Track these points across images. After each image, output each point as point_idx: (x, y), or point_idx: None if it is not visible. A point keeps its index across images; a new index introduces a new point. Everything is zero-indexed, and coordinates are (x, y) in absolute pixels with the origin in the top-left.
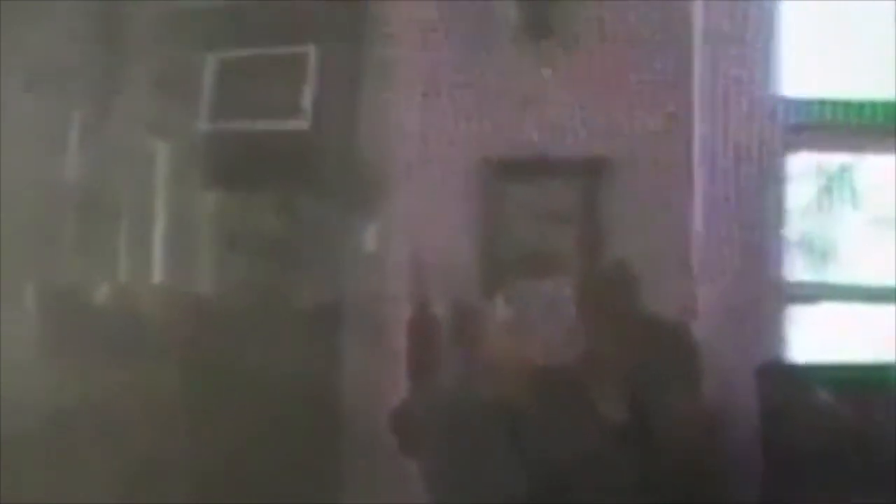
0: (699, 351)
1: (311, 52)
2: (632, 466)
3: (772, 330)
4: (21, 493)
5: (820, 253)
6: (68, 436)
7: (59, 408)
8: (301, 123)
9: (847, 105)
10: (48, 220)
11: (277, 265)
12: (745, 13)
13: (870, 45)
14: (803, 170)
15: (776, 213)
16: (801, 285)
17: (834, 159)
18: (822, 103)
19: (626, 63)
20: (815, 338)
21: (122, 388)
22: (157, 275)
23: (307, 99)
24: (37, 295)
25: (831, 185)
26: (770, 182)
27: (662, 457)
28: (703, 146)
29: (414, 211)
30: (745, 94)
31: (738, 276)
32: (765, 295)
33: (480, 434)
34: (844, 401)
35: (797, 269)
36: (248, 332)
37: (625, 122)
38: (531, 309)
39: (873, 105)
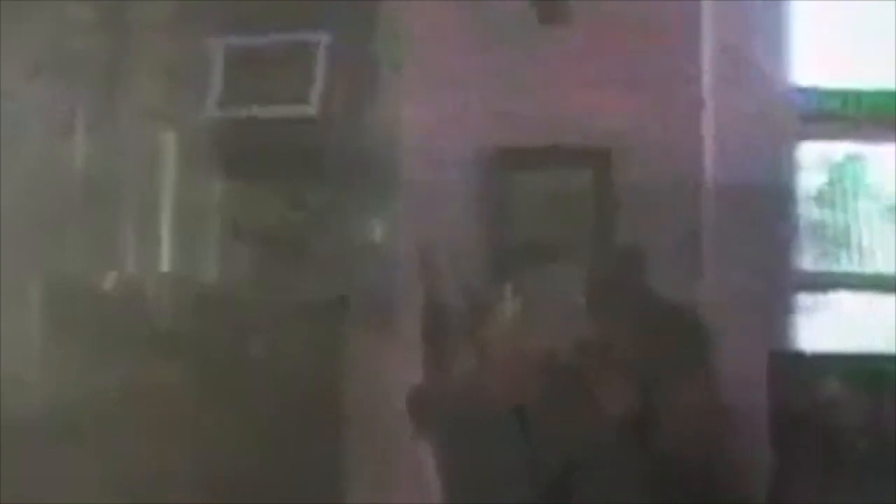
0: (709, 340)
1: (321, 40)
2: (640, 455)
3: (783, 319)
4: (24, 483)
5: (831, 242)
6: (73, 425)
7: (64, 397)
8: (310, 112)
9: (857, 95)
10: (54, 209)
11: (284, 255)
12: (755, 1)
13: (878, 35)
14: (813, 159)
15: (787, 201)
16: (811, 274)
17: (843, 149)
18: (832, 93)
19: (636, 51)
20: (826, 327)
21: (128, 378)
22: (164, 264)
23: (316, 88)
24: (42, 284)
25: (841, 175)
26: (781, 171)
27: (671, 446)
28: (713, 135)
29: (422, 200)
30: (756, 84)
31: (748, 265)
32: (776, 284)
33: (489, 423)
34: (855, 390)
35: (808, 259)
36: (254, 322)
37: (635, 111)
38: (540, 298)
39: (883, 95)
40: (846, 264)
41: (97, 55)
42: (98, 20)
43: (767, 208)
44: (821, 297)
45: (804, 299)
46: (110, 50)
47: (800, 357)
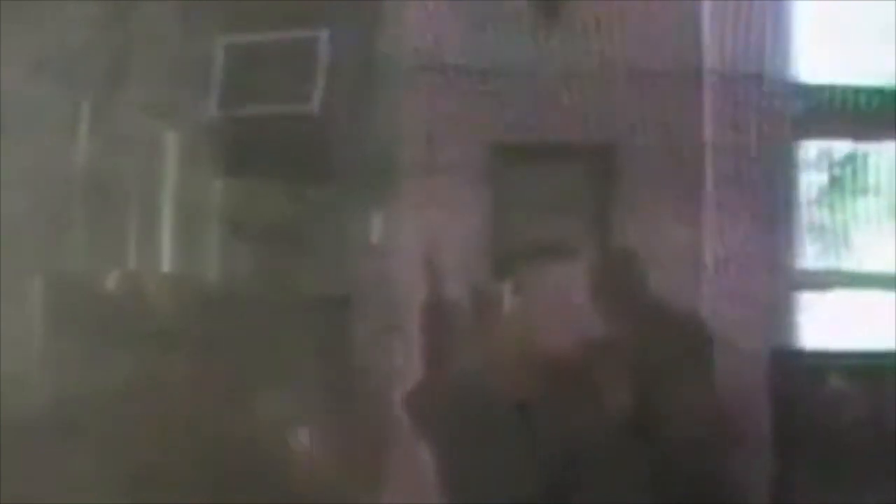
0: (710, 339)
1: (322, 37)
2: (642, 454)
3: (784, 318)
4: (25, 483)
5: (831, 240)
6: (74, 425)
7: (65, 396)
8: (311, 110)
9: (857, 92)
10: (55, 208)
11: (286, 253)
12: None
13: (879, 32)
14: (814, 157)
15: (787, 199)
16: (812, 272)
17: (844, 146)
18: (832, 90)
19: (636, 49)
20: (828, 325)
21: (129, 376)
22: (166, 263)
23: (317, 86)
24: (43, 282)
25: (842, 173)
26: (781, 169)
27: (672, 446)
28: (713, 133)
29: (423, 197)
30: (755, 81)
31: (749, 263)
32: (776, 282)
33: (490, 421)
34: (857, 388)
35: (809, 257)
36: (255, 319)
37: (635, 109)
38: (541, 296)
39: (884, 92)
40: (847, 262)
41: (98, 54)
42: (99, 18)
43: (768, 206)
44: (823, 296)
45: (805, 298)
46: (111, 48)
47: (801, 355)
